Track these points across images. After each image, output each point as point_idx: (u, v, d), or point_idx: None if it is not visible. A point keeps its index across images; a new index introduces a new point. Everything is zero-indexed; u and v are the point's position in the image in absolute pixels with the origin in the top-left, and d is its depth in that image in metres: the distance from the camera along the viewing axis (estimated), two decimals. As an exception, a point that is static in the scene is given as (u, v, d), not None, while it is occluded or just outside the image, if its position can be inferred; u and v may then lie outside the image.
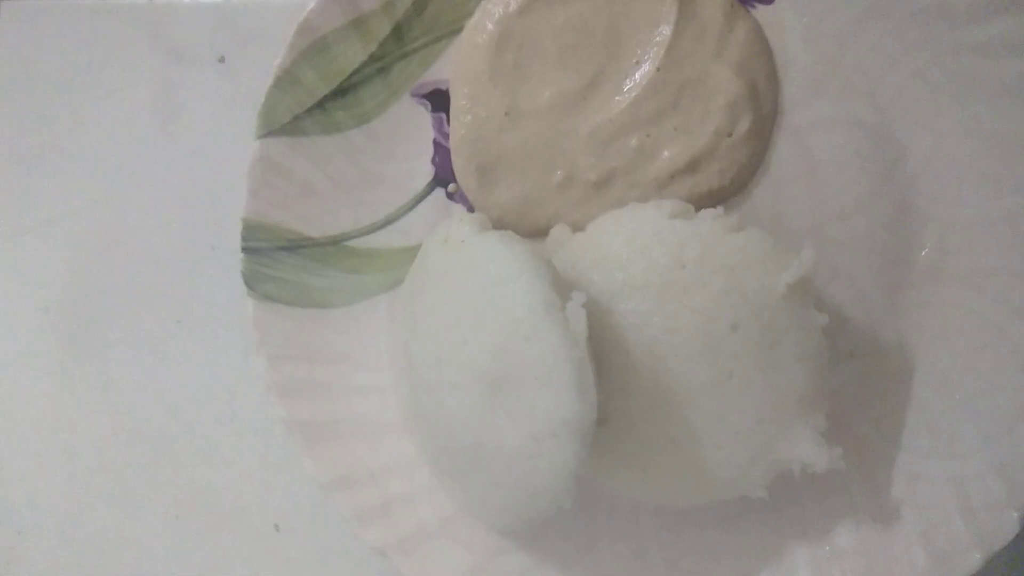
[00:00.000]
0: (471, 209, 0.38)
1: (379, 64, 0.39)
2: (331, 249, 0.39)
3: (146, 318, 0.43)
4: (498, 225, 0.37)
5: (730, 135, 0.36)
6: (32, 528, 0.43)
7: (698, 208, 0.35)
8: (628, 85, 0.37)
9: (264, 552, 0.41)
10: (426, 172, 0.39)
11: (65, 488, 0.43)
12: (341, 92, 0.39)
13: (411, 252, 0.38)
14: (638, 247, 0.33)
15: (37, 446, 0.43)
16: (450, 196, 0.39)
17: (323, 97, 0.38)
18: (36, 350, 0.44)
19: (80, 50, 0.45)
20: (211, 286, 0.43)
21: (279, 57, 0.37)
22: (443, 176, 0.39)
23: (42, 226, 0.44)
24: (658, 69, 0.36)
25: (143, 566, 0.42)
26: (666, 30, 0.36)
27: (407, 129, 0.39)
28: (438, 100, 0.39)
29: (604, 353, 0.32)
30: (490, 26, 0.37)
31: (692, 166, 0.36)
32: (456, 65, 0.38)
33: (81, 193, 0.44)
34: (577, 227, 0.36)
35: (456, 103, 0.38)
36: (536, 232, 0.37)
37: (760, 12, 0.37)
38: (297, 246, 0.39)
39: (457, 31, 0.38)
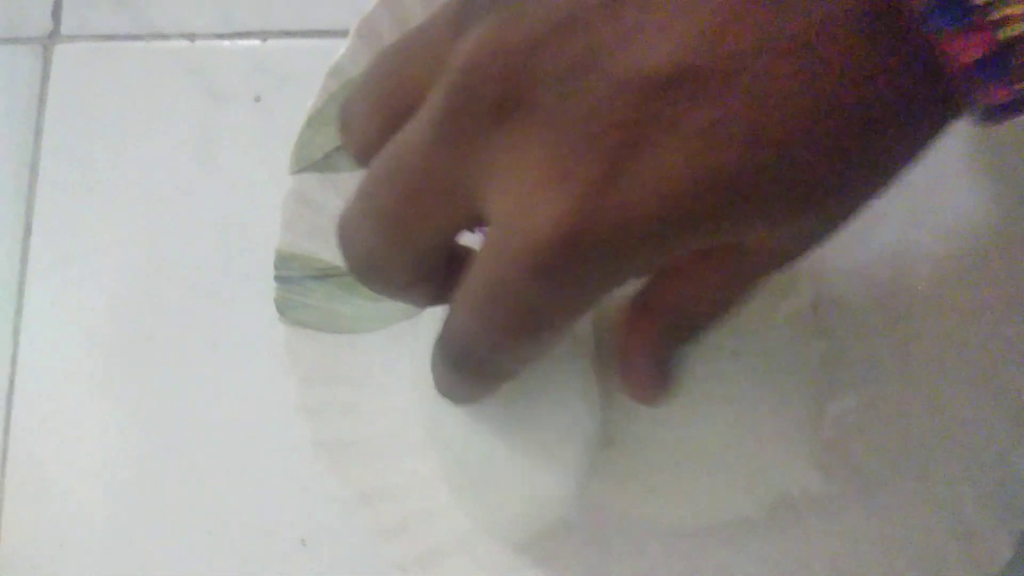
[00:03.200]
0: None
1: None
2: None
3: (183, 343, 0.45)
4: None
5: None
6: (73, 541, 0.45)
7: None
8: None
9: (291, 566, 0.43)
10: (448, 206, 0.41)
11: (105, 503, 0.45)
12: None
13: (432, 282, 0.40)
14: None
15: (80, 463, 0.46)
16: (470, 229, 0.41)
17: None
18: (80, 372, 0.46)
19: (126, 90, 0.48)
20: (244, 313, 0.45)
21: (312, 99, 0.39)
22: (464, 210, 0.41)
23: (88, 255, 0.47)
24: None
25: None
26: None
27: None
28: None
29: (609, 377, 0.33)
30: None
31: None
32: None
33: (124, 225, 0.47)
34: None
35: None
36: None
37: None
38: (326, 275, 0.40)
39: (481, 70, 0.41)
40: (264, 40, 0.47)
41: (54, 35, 0.49)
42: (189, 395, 0.45)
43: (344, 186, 0.40)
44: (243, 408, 0.44)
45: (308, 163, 0.40)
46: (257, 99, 0.46)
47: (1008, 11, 0.18)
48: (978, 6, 0.18)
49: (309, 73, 0.40)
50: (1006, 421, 0.34)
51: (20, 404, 0.47)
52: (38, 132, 0.48)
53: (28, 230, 0.48)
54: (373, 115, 0.26)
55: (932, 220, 0.37)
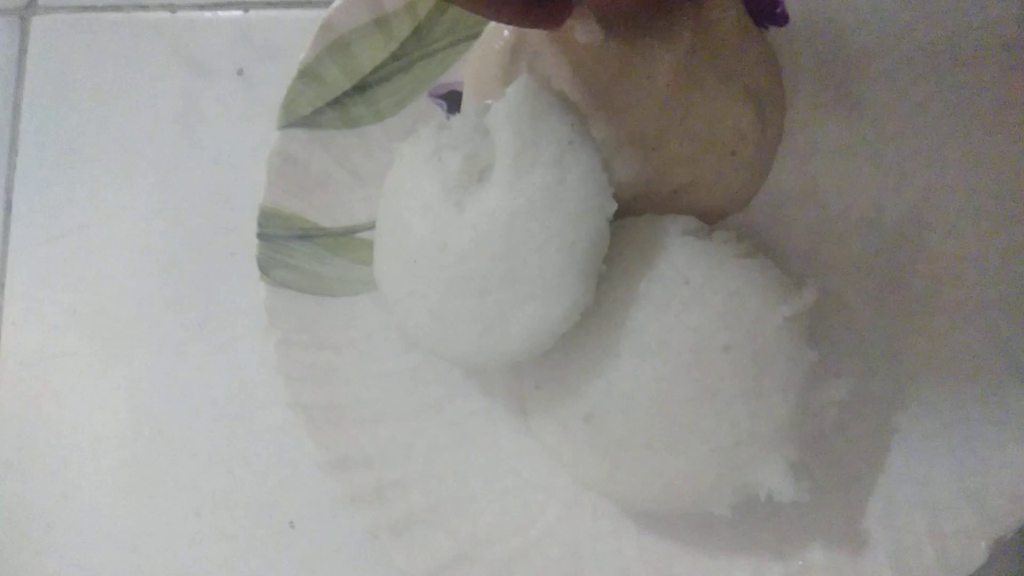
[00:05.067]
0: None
1: (400, 63, 0.41)
2: (343, 240, 0.42)
3: (168, 322, 0.46)
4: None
5: (734, 154, 0.38)
6: (60, 522, 0.47)
7: (698, 224, 0.37)
8: (637, 101, 0.38)
9: (280, 548, 0.44)
10: (438, 169, 0.41)
11: (92, 484, 0.46)
12: (361, 88, 0.41)
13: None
14: (646, 257, 0.35)
15: (66, 444, 0.47)
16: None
17: (343, 92, 0.41)
18: (65, 351, 0.47)
19: (106, 62, 0.48)
20: (230, 291, 0.46)
21: (303, 52, 0.40)
22: (454, 174, 0.41)
23: (71, 232, 0.48)
24: (668, 86, 0.37)
25: (164, 560, 0.45)
26: (679, 49, 0.37)
27: (422, 127, 0.40)
28: (454, 101, 0.41)
29: (597, 353, 0.35)
30: (506, 33, 0.39)
31: (695, 183, 0.38)
32: (471, 68, 0.40)
33: (107, 201, 0.47)
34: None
35: (468, 104, 0.40)
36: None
37: (772, 33, 0.39)
38: (311, 235, 0.41)
39: (476, 35, 0.40)
40: (246, 11, 0.47)
41: (31, 6, 0.49)
42: (175, 375, 0.46)
43: (332, 144, 0.41)
44: (229, 388, 0.45)
45: (296, 118, 0.41)
46: (240, 72, 0.47)
47: None
48: None
49: (293, 45, 0.41)
50: (991, 425, 0.35)
51: (4, 385, 0.48)
52: (16, 108, 0.49)
53: (8, 208, 0.49)
54: None
55: (931, 218, 0.38)
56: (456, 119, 0.36)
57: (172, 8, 0.47)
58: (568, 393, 0.35)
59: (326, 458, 0.39)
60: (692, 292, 0.34)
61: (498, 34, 0.39)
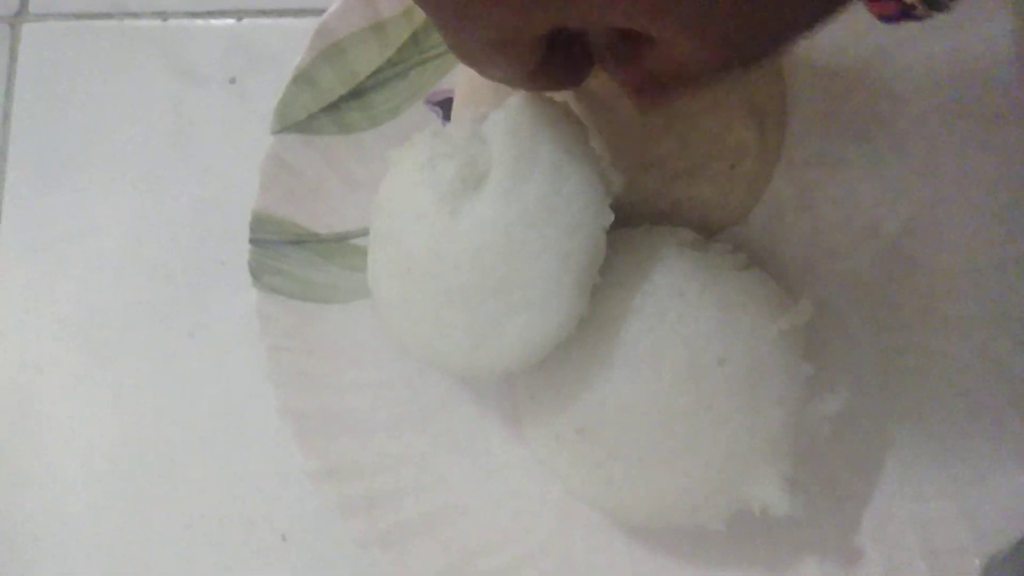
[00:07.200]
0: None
1: (396, 69, 0.41)
2: (336, 246, 0.42)
3: (158, 332, 0.47)
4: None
5: (733, 168, 0.38)
6: (47, 534, 0.46)
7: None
8: (637, 114, 0.38)
9: (271, 561, 0.44)
10: (432, 176, 0.41)
11: (80, 496, 0.46)
12: (356, 94, 0.41)
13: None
14: (642, 269, 0.35)
15: (53, 455, 0.47)
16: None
17: (339, 98, 0.41)
18: (53, 361, 0.48)
19: (97, 70, 0.48)
20: (221, 301, 0.46)
21: (298, 57, 0.40)
22: (447, 181, 0.41)
23: (60, 242, 0.48)
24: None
25: (154, 573, 0.45)
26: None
27: (417, 134, 0.41)
28: (450, 108, 0.41)
29: (591, 365, 0.35)
30: (501, 41, 0.39)
31: (693, 196, 0.38)
32: (462, 75, 0.41)
33: (97, 210, 0.48)
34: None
35: (459, 112, 0.41)
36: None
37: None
38: (303, 241, 0.42)
39: (472, 42, 0.41)
40: (239, 19, 0.47)
41: (21, 13, 0.50)
42: (165, 386, 0.46)
43: (326, 149, 0.41)
44: (220, 399, 0.46)
45: (291, 123, 0.41)
46: (232, 80, 0.47)
47: None
48: None
49: (286, 53, 0.42)
50: (985, 441, 0.36)
51: (-8, 394, 0.49)
52: (6, 115, 0.49)
53: (-2, 216, 0.49)
54: None
55: (927, 232, 0.38)
56: (451, 126, 0.36)
57: (164, 16, 0.48)
58: (561, 405, 0.36)
59: (316, 467, 0.40)
60: (687, 304, 0.34)
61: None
